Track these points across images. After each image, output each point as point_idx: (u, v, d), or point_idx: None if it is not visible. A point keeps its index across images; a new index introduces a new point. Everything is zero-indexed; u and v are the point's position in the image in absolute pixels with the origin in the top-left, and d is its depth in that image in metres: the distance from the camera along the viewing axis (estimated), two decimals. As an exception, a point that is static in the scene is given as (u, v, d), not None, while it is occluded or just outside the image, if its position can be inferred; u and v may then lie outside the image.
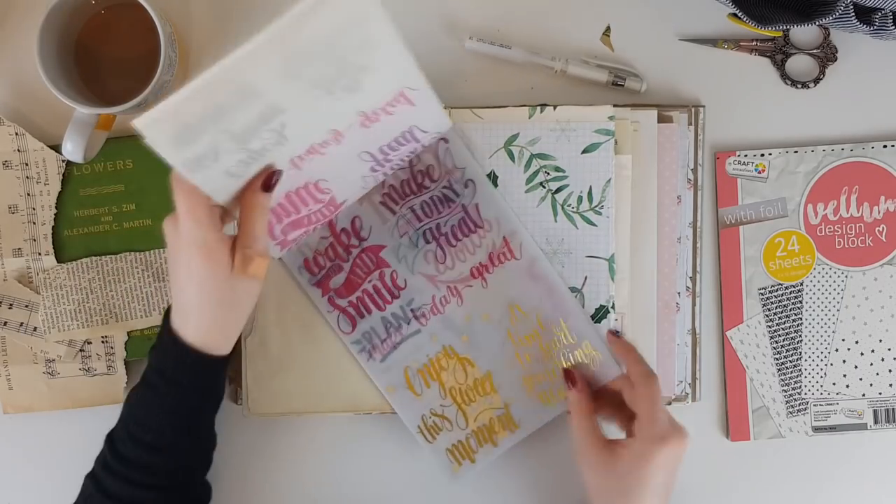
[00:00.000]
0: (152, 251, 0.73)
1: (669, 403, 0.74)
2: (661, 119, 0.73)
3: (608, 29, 0.75)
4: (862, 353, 0.75)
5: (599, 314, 0.72)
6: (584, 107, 0.72)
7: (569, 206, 0.72)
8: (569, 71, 0.73)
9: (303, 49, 0.51)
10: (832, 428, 0.75)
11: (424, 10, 0.74)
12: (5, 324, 0.73)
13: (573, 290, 0.72)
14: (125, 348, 0.74)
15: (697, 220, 0.74)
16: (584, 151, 0.72)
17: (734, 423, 0.75)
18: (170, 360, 0.63)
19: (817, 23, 0.67)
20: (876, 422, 0.75)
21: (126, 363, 0.74)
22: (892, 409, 0.75)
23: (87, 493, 0.65)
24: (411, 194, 0.71)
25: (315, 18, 0.50)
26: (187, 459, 0.66)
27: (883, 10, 0.66)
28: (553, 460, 0.75)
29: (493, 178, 0.72)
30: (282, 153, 0.59)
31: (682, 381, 0.74)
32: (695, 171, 0.74)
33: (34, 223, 0.73)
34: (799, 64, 0.76)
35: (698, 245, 0.74)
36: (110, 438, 0.65)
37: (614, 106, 0.72)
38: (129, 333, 0.74)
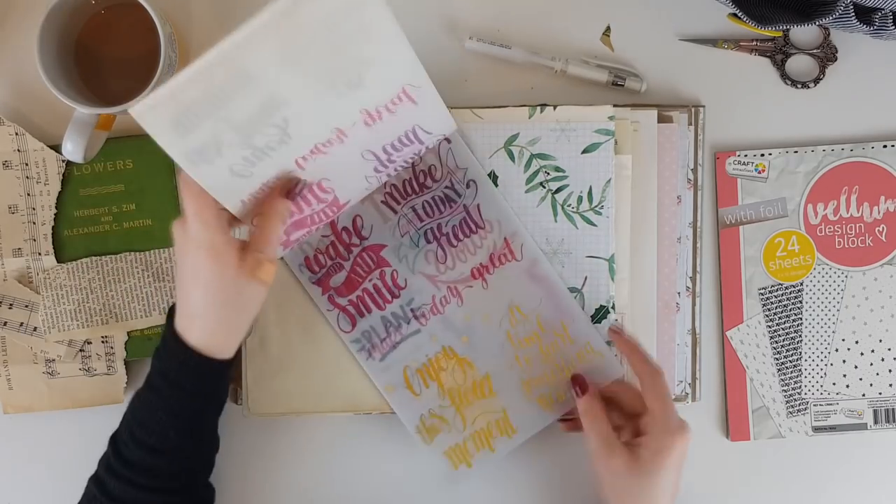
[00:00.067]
0: (152, 251, 0.73)
1: (669, 403, 0.74)
2: (661, 119, 0.73)
3: (608, 29, 0.75)
4: (862, 353, 0.75)
5: (599, 314, 0.72)
6: (584, 107, 0.72)
7: (569, 206, 0.72)
8: (569, 71, 0.73)
9: (300, 33, 0.51)
10: (832, 428, 0.75)
11: (424, 10, 0.74)
12: (5, 324, 0.73)
13: (573, 290, 0.72)
14: (125, 348, 0.74)
15: (697, 220, 0.74)
16: (584, 151, 0.72)
17: (734, 423, 0.75)
18: (173, 363, 0.63)
19: (817, 23, 0.67)
20: (876, 422, 0.75)
21: (126, 363, 0.74)
22: (892, 409, 0.75)
23: (90, 496, 0.65)
24: (413, 194, 0.71)
25: (311, 2, 0.50)
26: (190, 462, 0.66)
27: (883, 10, 0.66)
28: (552, 460, 0.75)
29: (493, 177, 0.72)
30: (286, 153, 0.59)
31: (682, 381, 0.74)
32: (695, 171, 0.74)
33: (34, 223, 0.73)
34: (799, 64, 0.76)
35: (698, 245, 0.74)
36: (113, 441, 0.65)
37: (614, 106, 0.72)
38: (129, 333, 0.74)
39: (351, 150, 0.63)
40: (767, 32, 0.74)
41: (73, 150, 0.68)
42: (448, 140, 0.71)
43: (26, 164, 0.72)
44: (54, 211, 0.73)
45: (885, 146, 0.74)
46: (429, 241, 0.71)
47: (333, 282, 0.72)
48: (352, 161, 0.65)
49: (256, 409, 0.73)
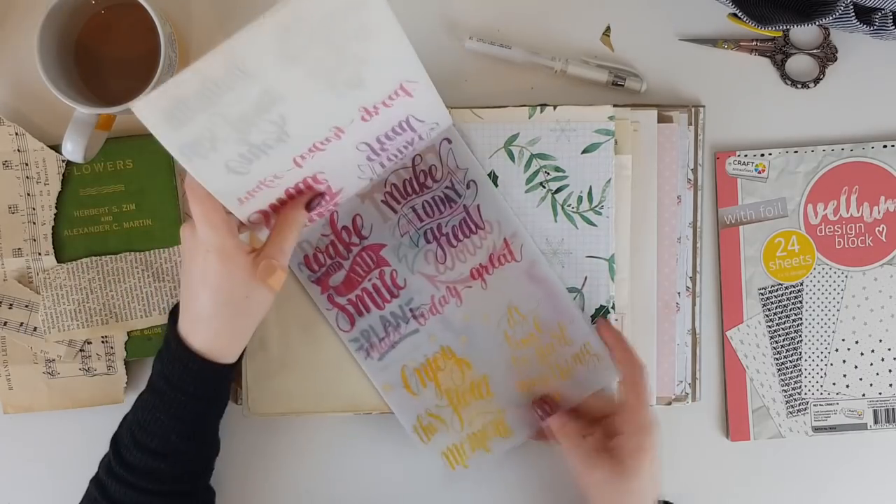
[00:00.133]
0: (152, 251, 0.73)
1: (669, 403, 0.74)
2: (661, 119, 0.73)
3: (608, 29, 0.75)
4: (862, 353, 0.75)
5: (599, 314, 0.72)
6: (584, 107, 0.71)
7: (569, 206, 0.72)
8: (569, 71, 0.73)
9: (300, 32, 0.52)
10: (832, 428, 0.75)
11: (424, 10, 0.74)
12: (5, 324, 0.73)
13: (573, 290, 0.72)
14: (125, 348, 0.74)
15: (697, 220, 0.74)
16: (584, 151, 0.72)
17: (734, 423, 0.75)
18: (177, 366, 0.63)
19: (817, 23, 0.67)
20: (876, 422, 0.75)
21: (126, 363, 0.74)
22: (892, 409, 0.75)
23: (91, 498, 0.65)
24: (413, 194, 0.71)
25: (312, 1, 0.50)
26: (192, 465, 0.66)
27: (883, 10, 0.66)
28: (548, 461, 0.75)
29: (493, 177, 0.72)
30: (284, 151, 0.59)
31: (682, 381, 0.74)
32: (695, 171, 0.74)
33: (34, 223, 0.73)
34: (799, 64, 0.76)
35: (698, 245, 0.74)
36: (114, 443, 0.65)
37: (614, 106, 0.72)
38: (129, 333, 0.74)
39: (346, 144, 0.63)
40: (767, 32, 0.74)
41: (73, 150, 0.68)
42: (449, 140, 0.71)
43: (26, 164, 0.72)
44: (54, 211, 0.73)
45: (885, 146, 0.74)
46: (428, 241, 0.71)
47: (333, 281, 0.72)
48: (346, 153, 0.65)
49: (256, 409, 0.73)
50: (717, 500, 0.76)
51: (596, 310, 0.72)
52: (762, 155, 0.75)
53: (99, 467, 0.66)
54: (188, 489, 0.66)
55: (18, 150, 0.73)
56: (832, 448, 0.76)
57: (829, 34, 0.75)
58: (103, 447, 0.66)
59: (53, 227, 0.73)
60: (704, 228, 0.75)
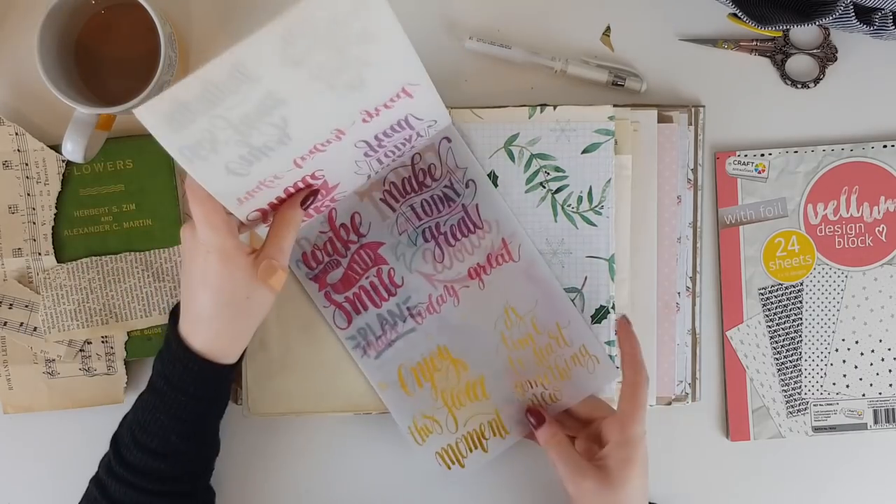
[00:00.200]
0: (152, 251, 0.73)
1: (669, 403, 0.74)
2: (661, 119, 0.73)
3: (608, 29, 0.75)
4: (862, 353, 0.75)
5: (599, 314, 0.72)
6: (584, 107, 0.71)
7: (569, 206, 0.72)
8: (569, 71, 0.73)
9: (302, 33, 0.52)
10: (832, 428, 0.75)
11: (424, 10, 0.74)
12: (5, 324, 0.73)
13: (573, 290, 0.72)
14: (125, 348, 0.74)
15: (697, 220, 0.74)
16: (584, 151, 0.72)
17: (734, 423, 0.75)
18: (177, 366, 0.63)
19: (817, 23, 0.67)
20: (876, 422, 0.75)
21: (126, 363, 0.74)
22: (892, 409, 0.75)
23: (91, 497, 0.65)
24: (412, 192, 0.71)
25: (314, 5, 0.50)
26: (192, 465, 0.66)
27: (883, 10, 0.66)
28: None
29: (493, 177, 0.72)
30: (285, 153, 0.59)
31: (682, 381, 0.74)
32: (695, 171, 0.74)
33: (34, 223, 0.73)
34: (799, 64, 0.76)
35: (698, 245, 0.74)
36: (115, 442, 0.65)
37: (614, 106, 0.72)
38: (129, 333, 0.74)
39: (346, 145, 0.63)
40: (767, 32, 0.74)
41: (73, 150, 0.68)
42: (448, 139, 0.71)
43: (26, 164, 0.73)
44: (54, 211, 0.73)
45: (885, 146, 0.74)
46: (426, 240, 0.71)
47: (330, 278, 0.72)
48: (344, 152, 0.65)
49: (256, 409, 0.73)
50: (717, 500, 0.76)
51: (596, 310, 0.72)
52: (762, 155, 0.75)
53: (99, 467, 0.66)
54: (188, 489, 0.66)
55: (18, 150, 0.73)
56: (832, 448, 0.76)
57: (829, 34, 0.75)
58: (103, 447, 0.66)
59: (53, 227, 0.73)
60: (704, 228, 0.75)
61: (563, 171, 0.72)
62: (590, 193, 0.72)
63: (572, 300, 0.72)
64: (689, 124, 0.73)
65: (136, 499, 0.64)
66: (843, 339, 0.75)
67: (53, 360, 0.73)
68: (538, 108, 0.72)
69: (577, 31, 0.75)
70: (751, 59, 0.75)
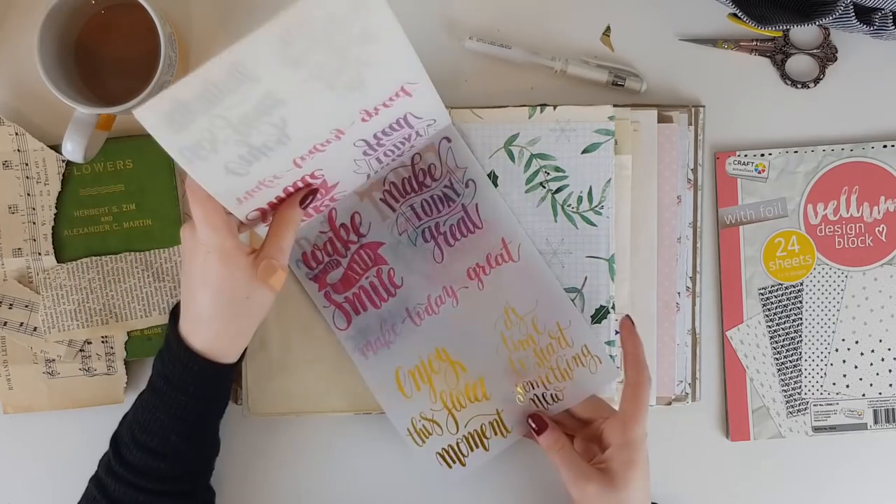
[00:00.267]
0: (152, 251, 0.73)
1: (669, 403, 0.74)
2: (661, 119, 0.73)
3: (608, 29, 0.75)
4: (862, 353, 0.75)
5: (599, 314, 0.72)
6: (584, 107, 0.71)
7: (569, 206, 0.72)
8: (569, 71, 0.73)
9: (301, 33, 0.52)
10: (832, 428, 0.75)
11: (424, 10, 0.74)
12: (5, 324, 0.73)
13: (573, 290, 0.72)
14: (125, 348, 0.74)
15: (697, 220, 0.74)
16: (584, 151, 0.72)
17: (734, 423, 0.75)
18: (177, 366, 0.63)
19: (817, 23, 0.67)
20: (876, 422, 0.75)
21: (126, 363, 0.74)
22: (892, 409, 0.75)
23: (91, 497, 0.65)
24: (412, 192, 0.71)
25: (314, 5, 0.50)
26: (192, 465, 0.66)
27: (883, 10, 0.66)
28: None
29: (492, 177, 0.72)
30: (284, 153, 0.59)
31: (682, 381, 0.74)
32: (695, 171, 0.74)
33: (34, 223, 0.73)
34: (799, 64, 0.76)
35: (698, 245, 0.74)
36: (114, 442, 0.65)
37: (614, 106, 0.72)
38: (129, 333, 0.74)
39: (345, 144, 0.63)
40: (767, 32, 0.74)
41: (73, 150, 0.68)
42: (448, 139, 0.71)
43: (26, 164, 0.73)
44: (54, 211, 0.73)
45: (885, 146, 0.74)
46: (426, 240, 0.71)
47: (330, 278, 0.72)
48: (344, 151, 0.65)
49: (256, 409, 0.73)
50: (717, 500, 0.76)
51: (596, 310, 0.72)
52: (762, 155, 0.75)
53: (99, 466, 0.66)
54: (188, 489, 0.66)
55: (18, 150, 0.73)
56: (832, 448, 0.76)
57: (829, 34, 0.75)
58: (103, 447, 0.66)
59: (53, 227, 0.73)
60: (704, 228, 0.75)
61: (563, 171, 0.72)
62: (590, 193, 0.72)
63: (572, 300, 0.72)
64: (689, 124, 0.74)
65: (136, 498, 0.64)
66: (843, 339, 0.75)
67: (53, 360, 0.73)
68: (538, 108, 0.72)
69: (577, 31, 0.75)
70: (751, 59, 0.75)
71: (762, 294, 0.75)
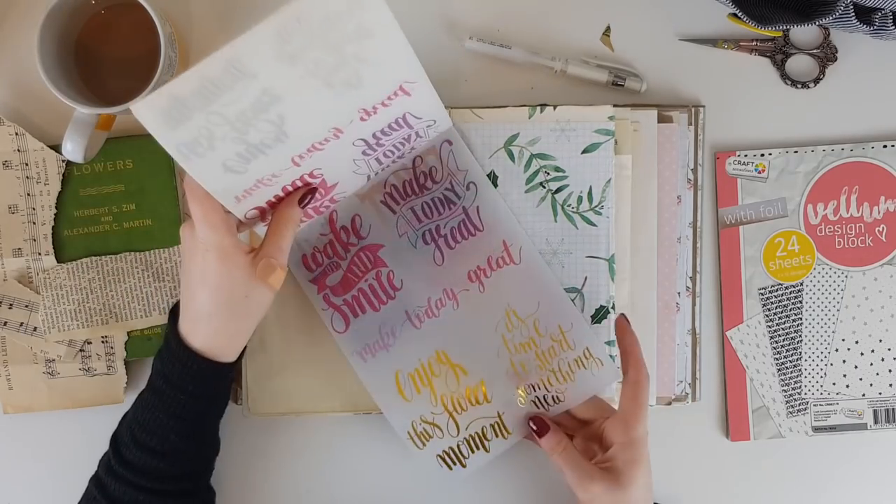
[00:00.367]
0: (152, 251, 0.73)
1: (669, 403, 0.74)
2: (661, 119, 0.73)
3: (608, 29, 0.75)
4: (862, 353, 0.75)
5: (599, 314, 0.72)
6: (584, 107, 0.71)
7: (569, 206, 0.72)
8: (569, 71, 0.73)
9: (298, 30, 0.52)
10: (832, 428, 0.75)
11: (424, 10, 0.74)
12: (5, 324, 0.73)
13: (573, 290, 0.72)
14: (125, 348, 0.74)
15: (697, 220, 0.74)
16: (584, 151, 0.72)
17: (734, 423, 0.75)
18: (176, 365, 0.63)
19: (817, 23, 0.67)
20: (876, 422, 0.75)
21: (126, 363, 0.74)
22: (892, 409, 0.75)
23: (90, 496, 0.65)
24: (413, 195, 0.71)
25: (311, 2, 0.51)
26: (192, 465, 0.66)
27: (883, 10, 0.66)
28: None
29: (492, 178, 0.72)
30: (282, 151, 0.59)
31: (682, 381, 0.74)
32: (695, 171, 0.74)
33: (34, 223, 0.73)
34: (799, 64, 0.76)
35: (698, 245, 0.74)
36: (114, 441, 0.65)
37: (614, 106, 0.72)
38: (129, 333, 0.74)
39: (344, 143, 0.63)
40: (767, 32, 0.74)
41: (73, 150, 0.68)
42: (449, 142, 0.71)
43: (26, 164, 0.73)
44: (54, 211, 0.73)
45: (885, 146, 0.74)
46: (427, 243, 0.71)
47: (329, 281, 0.72)
48: (343, 150, 0.65)
49: (256, 409, 0.73)
50: (717, 500, 0.76)
51: (596, 310, 0.72)
52: (762, 155, 0.75)
53: (98, 466, 0.66)
54: (188, 488, 0.66)
55: (18, 150, 0.73)
56: (832, 448, 0.76)
57: (829, 34, 0.75)
58: (103, 447, 0.66)
59: (53, 227, 0.73)
60: (704, 228, 0.75)
61: (563, 171, 0.72)
62: (590, 193, 0.72)
63: (572, 300, 0.72)
64: (689, 124, 0.74)
65: (136, 498, 0.64)
66: (843, 339, 0.75)
67: (53, 360, 0.73)
68: (538, 108, 0.72)
69: (577, 31, 0.75)
70: (751, 59, 0.75)
71: (762, 294, 0.75)
